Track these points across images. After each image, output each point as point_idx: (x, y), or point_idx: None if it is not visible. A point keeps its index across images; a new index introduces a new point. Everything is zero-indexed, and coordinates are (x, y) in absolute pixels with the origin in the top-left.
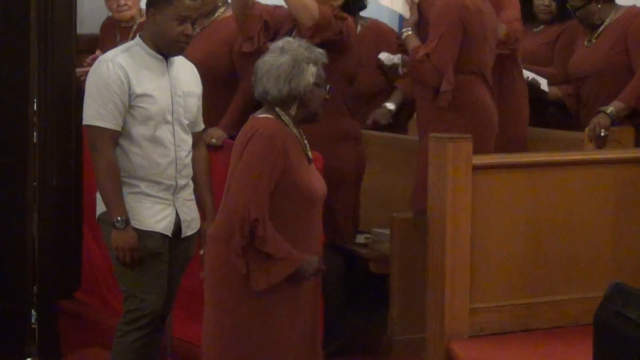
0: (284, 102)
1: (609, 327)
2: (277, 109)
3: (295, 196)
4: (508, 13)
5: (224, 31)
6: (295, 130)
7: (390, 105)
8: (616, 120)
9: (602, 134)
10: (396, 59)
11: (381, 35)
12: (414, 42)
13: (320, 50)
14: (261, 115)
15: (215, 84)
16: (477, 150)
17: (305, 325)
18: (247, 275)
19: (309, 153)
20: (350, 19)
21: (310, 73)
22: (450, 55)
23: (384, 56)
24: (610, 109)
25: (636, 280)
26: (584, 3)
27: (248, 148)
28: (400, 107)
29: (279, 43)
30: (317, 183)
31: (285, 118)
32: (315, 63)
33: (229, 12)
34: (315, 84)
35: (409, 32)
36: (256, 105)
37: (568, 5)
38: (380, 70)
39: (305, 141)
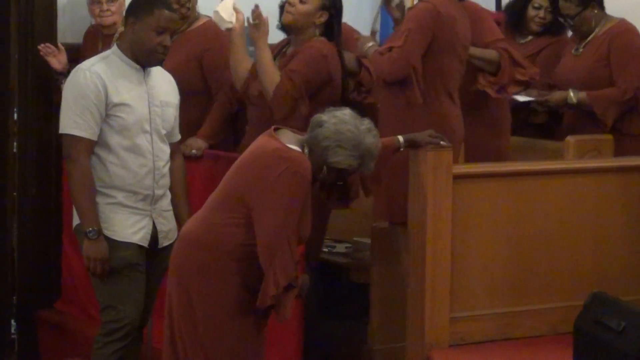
0: (316, 147)
1: (589, 336)
2: (306, 147)
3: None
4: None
5: (194, 43)
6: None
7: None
8: (572, 106)
9: (543, 103)
10: None
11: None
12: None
13: (372, 167)
14: (290, 143)
15: (185, 95)
16: None
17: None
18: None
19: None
20: (326, 49)
21: (349, 162)
22: (418, 51)
23: None
24: (578, 93)
25: (616, 289)
26: (580, 10)
27: (284, 183)
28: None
29: (373, 127)
30: (309, 227)
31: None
32: (360, 165)
33: (198, 23)
34: (341, 171)
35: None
36: (234, 115)
37: (561, 15)
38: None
39: None
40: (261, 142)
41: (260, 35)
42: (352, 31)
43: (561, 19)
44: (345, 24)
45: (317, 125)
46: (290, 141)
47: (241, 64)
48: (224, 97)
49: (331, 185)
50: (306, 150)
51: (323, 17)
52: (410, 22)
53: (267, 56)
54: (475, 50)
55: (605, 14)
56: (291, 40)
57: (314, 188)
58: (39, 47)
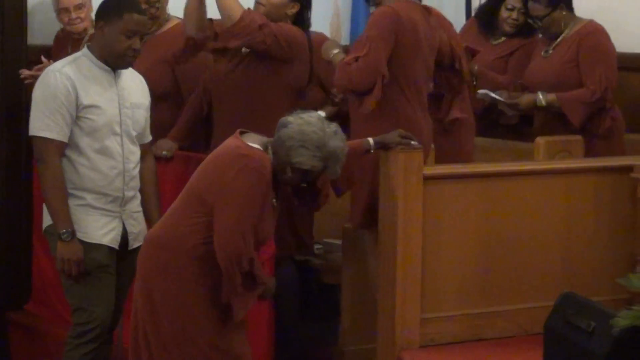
0: (281, 147)
1: (559, 336)
2: (270, 148)
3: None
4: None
5: (166, 46)
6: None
7: (321, 113)
8: (542, 108)
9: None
10: None
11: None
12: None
13: (338, 171)
14: (253, 143)
15: (156, 98)
16: None
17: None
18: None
19: (274, 201)
20: (293, 30)
21: (312, 164)
22: (383, 57)
23: None
24: (547, 96)
25: (586, 290)
26: (549, 11)
27: (241, 180)
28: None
29: (339, 129)
30: (272, 229)
31: (270, 159)
32: (325, 167)
33: (169, 25)
34: (305, 172)
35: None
36: (206, 116)
37: (530, 16)
38: (320, 85)
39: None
40: (225, 143)
41: None
42: (326, 39)
43: (530, 21)
44: (321, 33)
45: (283, 125)
46: (254, 142)
47: (197, 10)
48: (195, 99)
49: (298, 186)
50: (270, 151)
51: (295, 9)
52: (371, 29)
53: None
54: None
55: (574, 15)
56: None
57: (283, 190)
58: (22, 75)
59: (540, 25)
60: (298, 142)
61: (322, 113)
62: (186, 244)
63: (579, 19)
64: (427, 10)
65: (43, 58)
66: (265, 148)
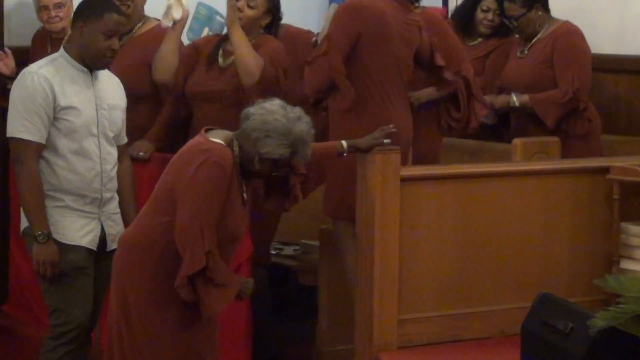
0: (246, 140)
1: (537, 337)
2: (235, 141)
3: (220, 230)
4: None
5: (143, 47)
6: (238, 168)
7: None
8: (515, 107)
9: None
10: None
11: (291, 40)
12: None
13: (309, 154)
14: (216, 139)
15: (133, 99)
16: None
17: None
18: (197, 303)
19: (245, 195)
20: (279, 45)
21: (281, 152)
22: (340, 54)
23: None
24: (520, 96)
25: (563, 291)
26: (524, 11)
27: (201, 173)
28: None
29: (302, 113)
30: (242, 227)
31: (236, 152)
32: (293, 153)
33: (147, 27)
34: (274, 161)
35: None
36: (184, 118)
37: (505, 16)
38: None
39: (244, 183)
40: (189, 141)
41: (235, 20)
42: (301, 32)
43: (506, 21)
44: (292, 26)
45: (245, 118)
46: (217, 137)
47: (173, 55)
48: (173, 102)
49: (269, 185)
50: (236, 144)
51: (267, 19)
52: (332, 24)
53: (245, 37)
54: (422, 94)
55: (549, 16)
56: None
57: (253, 184)
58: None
59: (516, 26)
60: (263, 133)
61: None
62: (158, 243)
63: (555, 20)
64: (406, 6)
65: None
66: (230, 142)
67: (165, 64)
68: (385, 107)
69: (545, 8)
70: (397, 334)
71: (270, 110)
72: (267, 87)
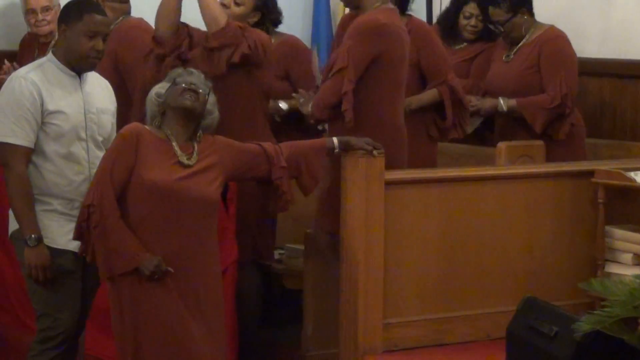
0: (157, 115)
1: (522, 341)
2: (150, 123)
3: (145, 192)
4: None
5: (110, 44)
6: (162, 134)
7: (283, 105)
8: (503, 111)
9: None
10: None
11: (295, 51)
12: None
13: (179, 70)
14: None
15: None
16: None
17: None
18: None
19: (185, 159)
20: (265, 36)
21: (155, 91)
22: (358, 73)
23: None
24: (508, 101)
25: (548, 294)
26: (510, 16)
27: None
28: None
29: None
30: (174, 183)
31: (151, 126)
32: (177, 76)
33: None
34: (174, 83)
35: None
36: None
37: (491, 22)
38: (288, 82)
39: (196, 149)
40: None
41: None
42: (299, 45)
43: (491, 26)
44: (293, 36)
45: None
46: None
47: (175, 10)
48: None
49: (264, 188)
50: (148, 117)
51: (256, 17)
52: (354, 40)
53: None
54: (413, 100)
55: (535, 20)
56: None
57: (247, 195)
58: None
59: (501, 31)
60: (155, 93)
61: (283, 105)
62: None
63: (540, 24)
64: (400, 17)
65: (6, 62)
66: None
67: (166, 18)
68: (398, 117)
69: (531, 13)
70: (382, 338)
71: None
72: (232, 41)
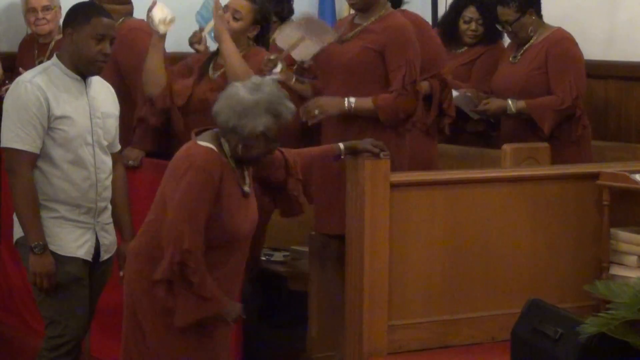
0: (227, 133)
1: (526, 343)
2: (222, 139)
3: (218, 229)
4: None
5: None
6: (233, 163)
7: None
8: (511, 113)
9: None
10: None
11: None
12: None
13: (291, 106)
14: (203, 142)
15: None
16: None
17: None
18: (170, 309)
19: (246, 187)
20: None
21: (263, 122)
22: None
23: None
24: (517, 103)
25: (553, 297)
26: (518, 16)
27: (185, 179)
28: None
29: (258, 79)
30: (247, 222)
31: (226, 148)
32: (275, 116)
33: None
34: (263, 134)
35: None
36: (163, 120)
37: (499, 22)
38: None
39: (246, 174)
40: (180, 148)
41: (224, 28)
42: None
43: (499, 26)
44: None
45: (216, 116)
46: (204, 139)
47: (159, 69)
48: (143, 112)
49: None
50: (224, 142)
51: (255, 31)
52: (409, 47)
53: (235, 48)
54: None
55: (542, 22)
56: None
57: (256, 175)
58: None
59: (510, 30)
60: (236, 117)
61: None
62: (161, 253)
63: (547, 26)
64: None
65: (21, 69)
66: (219, 140)
67: (155, 78)
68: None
69: (539, 13)
70: (387, 340)
71: (231, 94)
72: None
